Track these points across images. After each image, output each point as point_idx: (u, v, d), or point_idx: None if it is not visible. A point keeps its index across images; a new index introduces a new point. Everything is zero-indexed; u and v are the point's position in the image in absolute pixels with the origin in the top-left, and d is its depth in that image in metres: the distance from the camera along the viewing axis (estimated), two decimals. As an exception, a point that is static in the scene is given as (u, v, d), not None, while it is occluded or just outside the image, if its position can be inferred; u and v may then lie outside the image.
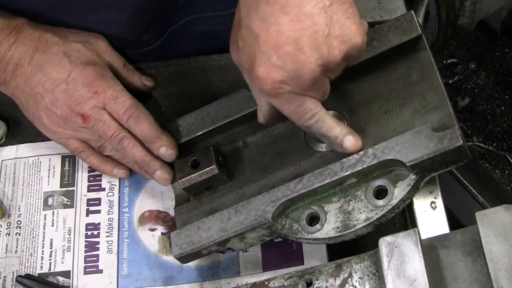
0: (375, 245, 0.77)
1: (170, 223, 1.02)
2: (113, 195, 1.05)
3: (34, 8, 1.01)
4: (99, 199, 1.05)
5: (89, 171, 1.06)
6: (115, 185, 1.05)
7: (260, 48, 0.78)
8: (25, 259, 1.01)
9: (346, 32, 0.79)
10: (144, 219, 1.03)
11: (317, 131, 0.86)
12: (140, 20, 1.05)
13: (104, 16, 1.03)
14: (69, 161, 1.07)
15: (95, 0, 1.00)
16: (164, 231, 1.02)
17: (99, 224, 1.03)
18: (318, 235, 0.86)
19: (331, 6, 0.78)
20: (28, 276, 0.99)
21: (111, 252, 1.01)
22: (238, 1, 0.83)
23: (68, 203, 1.04)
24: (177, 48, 1.15)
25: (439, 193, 0.93)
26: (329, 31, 0.78)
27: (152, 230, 1.02)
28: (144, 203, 1.04)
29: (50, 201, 1.05)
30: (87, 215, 1.03)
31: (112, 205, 1.04)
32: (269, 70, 0.79)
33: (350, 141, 0.87)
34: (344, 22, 0.79)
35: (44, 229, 1.03)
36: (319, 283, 0.79)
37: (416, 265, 0.73)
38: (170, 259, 0.99)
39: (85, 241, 1.02)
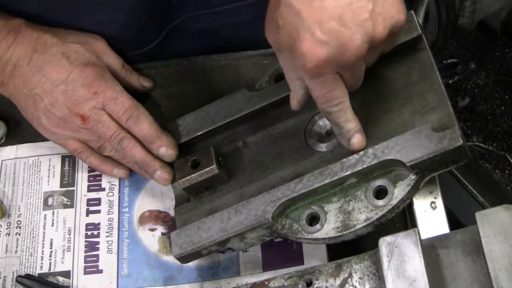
0: (375, 245, 0.77)
1: (170, 223, 1.02)
2: (113, 195, 1.05)
3: (31, 10, 1.01)
4: (99, 199, 1.05)
5: (89, 171, 1.06)
6: (115, 185, 1.05)
7: (303, 24, 0.77)
8: (25, 259, 1.01)
9: (389, 9, 0.79)
10: (144, 219, 1.03)
11: (334, 119, 0.86)
12: (137, 18, 1.05)
13: (101, 16, 1.02)
14: (69, 161, 1.07)
15: (91, 0, 1.00)
16: (164, 231, 1.02)
17: (99, 224, 1.03)
18: (318, 235, 0.86)
19: None
20: (28, 276, 0.99)
21: (111, 252, 1.01)
22: None
23: (68, 203, 1.04)
24: (174, 47, 1.15)
25: (439, 193, 0.93)
26: (373, 8, 0.78)
27: (152, 230, 1.02)
28: (144, 203, 1.04)
29: (50, 201, 1.05)
30: (87, 215, 1.03)
31: (112, 205, 1.04)
32: (313, 46, 0.77)
33: (358, 139, 0.87)
34: None
35: (44, 229, 1.03)
36: (319, 283, 0.79)
37: (416, 265, 0.73)
38: (170, 259, 0.99)
39: (85, 241, 1.02)
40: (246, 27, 1.15)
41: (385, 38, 0.80)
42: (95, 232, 1.02)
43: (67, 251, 1.01)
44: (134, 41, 1.10)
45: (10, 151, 1.08)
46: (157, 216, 1.03)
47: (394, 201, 0.84)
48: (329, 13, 0.76)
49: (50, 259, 1.01)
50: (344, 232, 0.85)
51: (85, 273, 0.99)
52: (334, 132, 0.91)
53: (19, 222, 1.03)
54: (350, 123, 0.86)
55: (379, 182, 0.86)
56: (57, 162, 1.07)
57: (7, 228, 1.03)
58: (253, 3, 1.14)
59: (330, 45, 0.77)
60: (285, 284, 0.81)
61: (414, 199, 0.92)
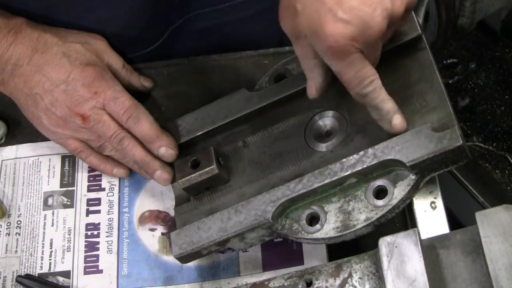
0: (375, 245, 0.77)
1: (170, 223, 1.02)
2: (113, 195, 1.05)
3: (32, 8, 1.01)
4: (99, 199, 1.05)
5: (89, 171, 1.06)
6: (115, 185, 1.05)
7: (324, 6, 0.78)
8: (25, 259, 1.01)
9: None
10: (144, 219, 1.03)
11: (371, 102, 0.85)
12: (139, 16, 1.05)
13: (103, 13, 1.02)
14: (69, 161, 1.07)
15: None
16: (164, 231, 1.02)
17: (99, 224, 1.03)
18: (318, 235, 0.86)
19: None
20: (28, 276, 0.99)
21: (111, 252, 1.01)
22: None
23: (68, 203, 1.04)
24: (178, 46, 1.15)
25: (439, 193, 0.93)
26: None
27: (152, 230, 1.02)
28: (144, 203, 1.04)
29: (50, 201, 1.05)
30: (87, 215, 1.03)
31: (112, 205, 1.04)
32: (337, 26, 0.78)
33: (399, 119, 0.86)
34: None
35: (44, 229, 1.03)
36: (319, 283, 0.79)
37: (416, 265, 0.73)
38: (170, 259, 0.99)
39: (85, 241, 1.02)
40: (250, 23, 1.15)
41: (403, 13, 0.82)
42: (95, 232, 1.02)
43: (67, 251, 1.01)
44: (138, 40, 1.09)
45: (10, 151, 1.08)
46: (157, 216, 1.03)
47: (394, 201, 0.84)
48: None
49: (50, 259, 1.01)
50: (344, 232, 0.85)
51: (85, 273, 0.99)
52: (334, 132, 0.92)
53: (19, 222, 1.03)
54: (388, 102, 0.86)
55: (379, 182, 0.86)
56: (57, 162, 1.07)
57: (7, 228, 1.03)
58: None
59: (353, 24, 0.78)
60: (285, 284, 0.81)
61: (414, 199, 0.92)
